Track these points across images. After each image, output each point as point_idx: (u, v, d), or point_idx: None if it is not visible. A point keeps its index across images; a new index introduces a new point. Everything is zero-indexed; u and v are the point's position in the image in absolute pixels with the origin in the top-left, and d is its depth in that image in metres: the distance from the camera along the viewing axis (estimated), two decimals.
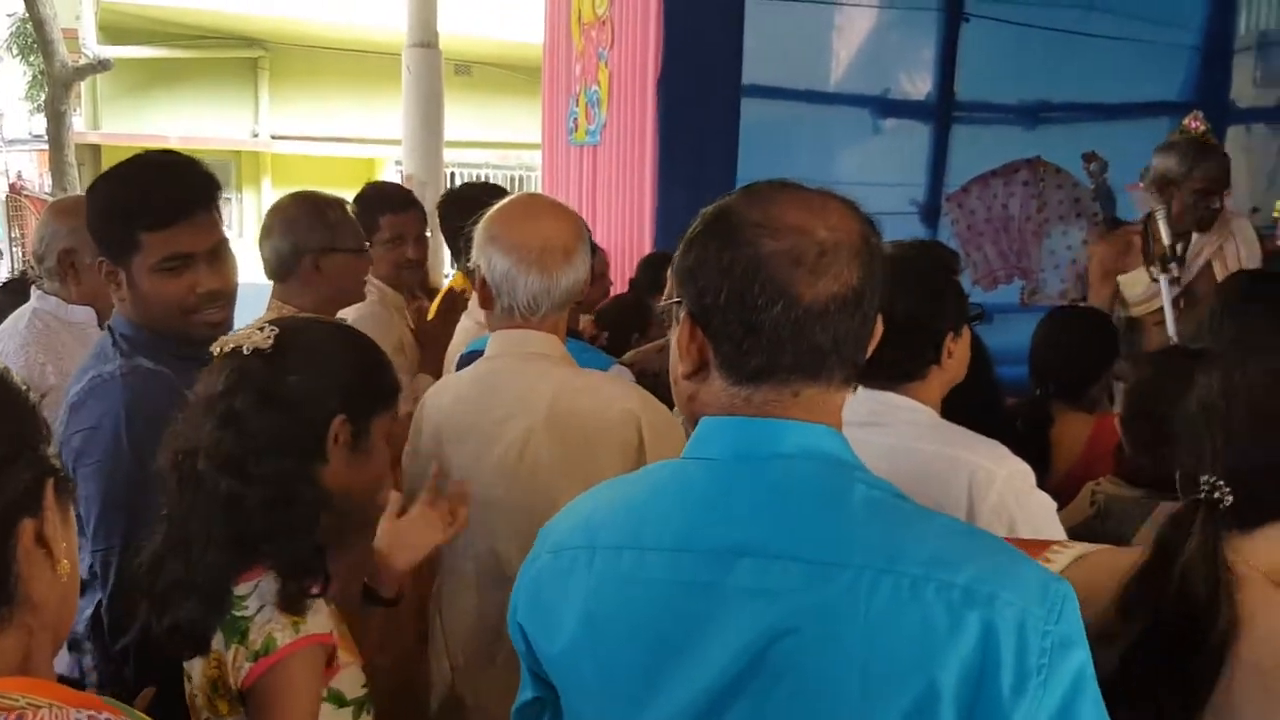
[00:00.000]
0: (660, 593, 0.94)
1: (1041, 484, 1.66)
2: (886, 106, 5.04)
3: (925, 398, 1.65)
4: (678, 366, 1.01)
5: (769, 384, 0.95)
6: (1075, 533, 1.75)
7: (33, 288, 2.53)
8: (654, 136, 4.24)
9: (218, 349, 1.37)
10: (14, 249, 10.39)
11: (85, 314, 2.45)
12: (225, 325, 1.71)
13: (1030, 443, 2.32)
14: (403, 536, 1.54)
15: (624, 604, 0.95)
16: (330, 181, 14.74)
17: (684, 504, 0.97)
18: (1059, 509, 2.03)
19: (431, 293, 3.40)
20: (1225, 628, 1.02)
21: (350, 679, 1.34)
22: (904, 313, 1.60)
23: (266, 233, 2.33)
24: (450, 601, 1.83)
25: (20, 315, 2.45)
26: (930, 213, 4.97)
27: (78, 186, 10.80)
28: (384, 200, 2.93)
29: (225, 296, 1.76)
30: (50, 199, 10.22)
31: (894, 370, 1.64)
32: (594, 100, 4.69)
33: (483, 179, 12.81)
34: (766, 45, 4.45)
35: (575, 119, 4.90)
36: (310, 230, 2.30)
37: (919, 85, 5.07)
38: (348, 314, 2.47)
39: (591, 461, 1.71)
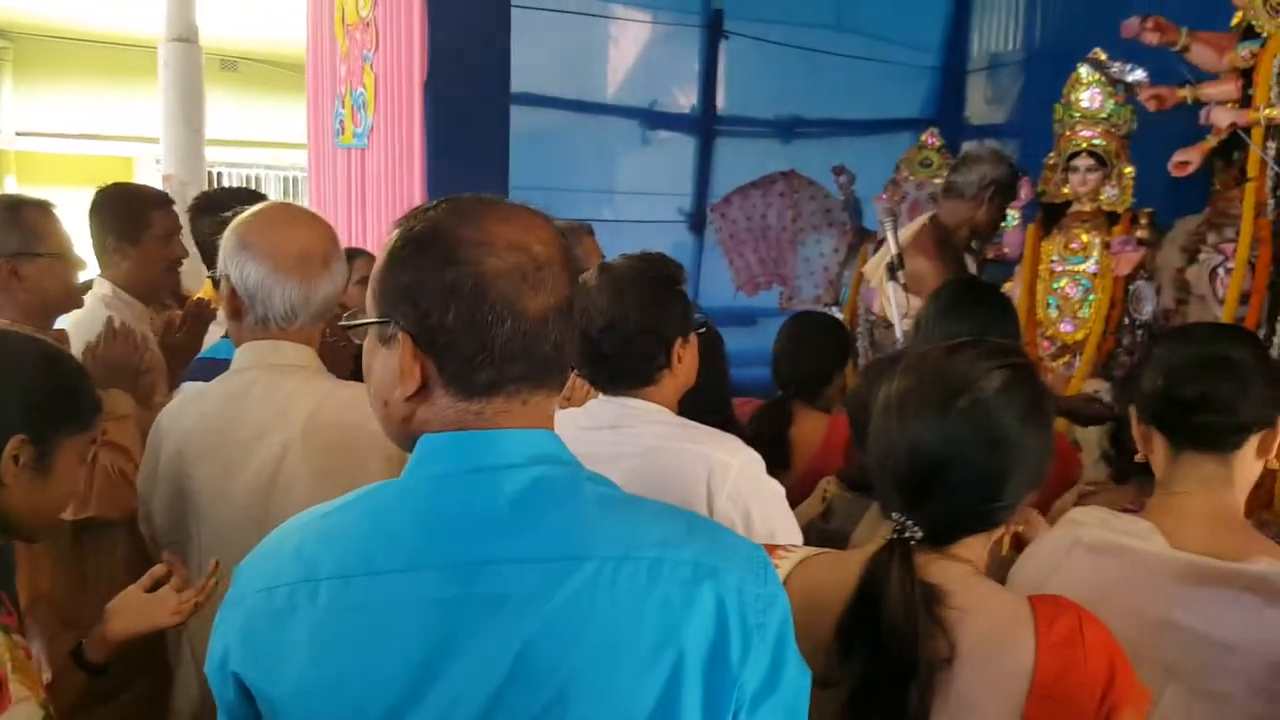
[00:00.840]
0: (402, 615, 0.92)
1: (783, 479, 1.78)
2: (655, 119, 5.19)
3: (661, 400, 1.73)
4: (391, 389, 0.99)
5: (500, 396, 0.97)
6: (805, 530, 1.88)
7: None
8: (421, 141, 4.19)
9: None
10: None
11: None
12: None
13: (772, 441, 2.47)
14: (131, 605, 1.50)
15: (363, 632, 0.92)
16: (84, 180, 13.66)
17: (418, 522, 0.96)
18: (799, 503, 2.17)
19: (184, 300, 3.26)
20: (934, 659, 1.15)
21: (24, 714, 1.26)
22: (636, 321, 1.69)
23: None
24: (201, 627, 1.76)
25: None
26: (697, 221, 5.16)
27: None
28: (149, 197, 2.82)
29: None
30: None
31: (631, 376, 1.71)
32: (360, 103, 4.60)
33: (253, 179, 12.30)
34: (537, 55, 4.49)
35: (342, 121, 4.79)
36: (4, 234, 2.19)
37: (685, 99, 5.25)
38: (66, 322, 2.38)
39: (356, 475, 1.65)
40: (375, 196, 4.60)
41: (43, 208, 2.26)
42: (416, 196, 4.27)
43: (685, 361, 1.76)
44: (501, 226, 0.97)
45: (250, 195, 2.67)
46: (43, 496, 1.38)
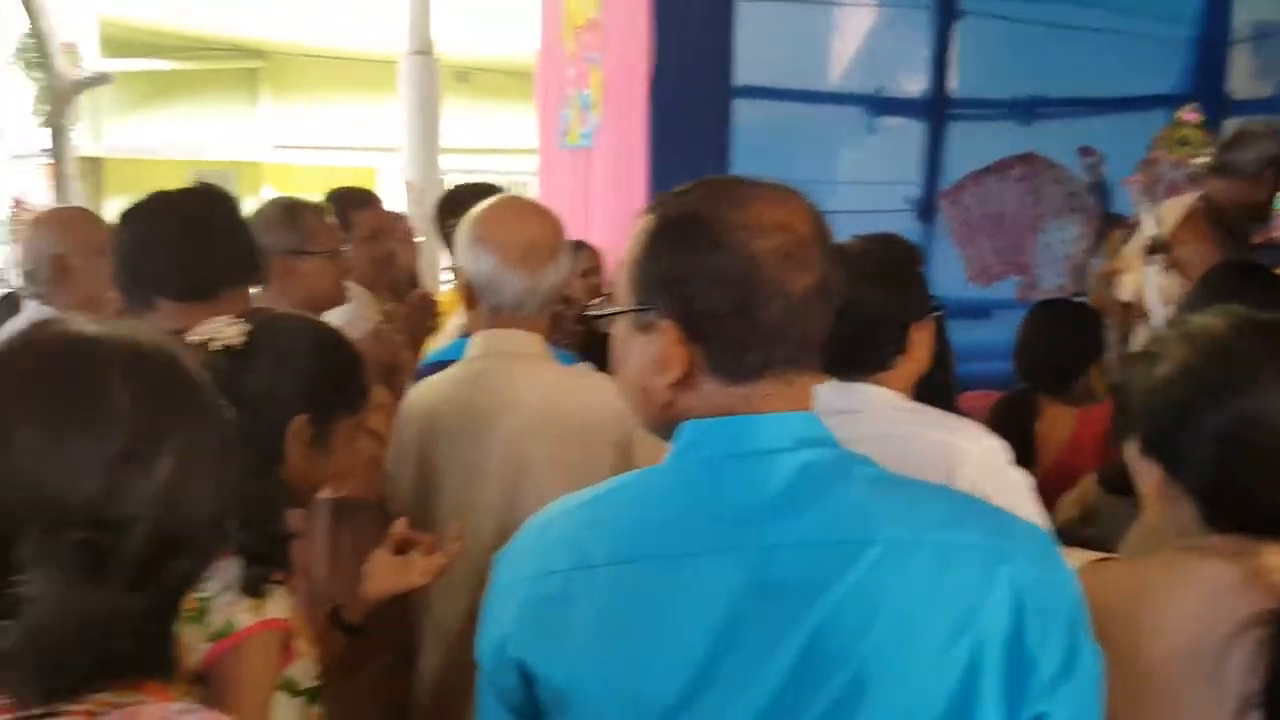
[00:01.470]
0: (684, 601, 0.91)
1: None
2: (881, 105, 5.02)
3: (895, 386, 1.66)
4: (651, 376, 0.98)
5: (766, 379, 0.96)
6: (1060, 531, 1.75)
7: (26, 302, 2.55)
8: (645, 139, 4.23)
9: (192, 340, 1.37)
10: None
11: None
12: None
13: (1014, 436, 2.33)
14: (386, 566, 1.56)
15: (644, 618, 0.92)
16: (330, 190, 14.71)
17: (692, 507, 0.95)
18: (1048, 505, 2.03)
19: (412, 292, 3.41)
20: None
21: (304, 668, 1.36)
22: (873, 305, 1.62)
23: None
24: (440, 605, 1.83)
25: (12, 326, 2.48)
26: (925, 210, 4.96)
27: (79, 201, 10.84)
28: (352, 198, 2.97)
29: None
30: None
31: (865, 362, 1.65)
32: (586, 104, 4.70)
33: None
34: (758, 46, 4.45)
35: (568, 122, 4.91)
36: (283, 233, 2.33)
37: (913, 83, 5.06)
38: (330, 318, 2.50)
39: (585, 460, 1.71)
40: (600, 194, 4.68)
41: (317, 210, 2.41)
42: (640, 193, 4.32)
43: (921, 346, 1.68)
44: (764, 206, 0.97)
45: (490, 190, 2.76)
46: (316, 473, 1.46)
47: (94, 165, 12.85)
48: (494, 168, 13.27)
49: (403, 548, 1.61)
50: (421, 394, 1.94)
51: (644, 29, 4.22)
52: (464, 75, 12.03)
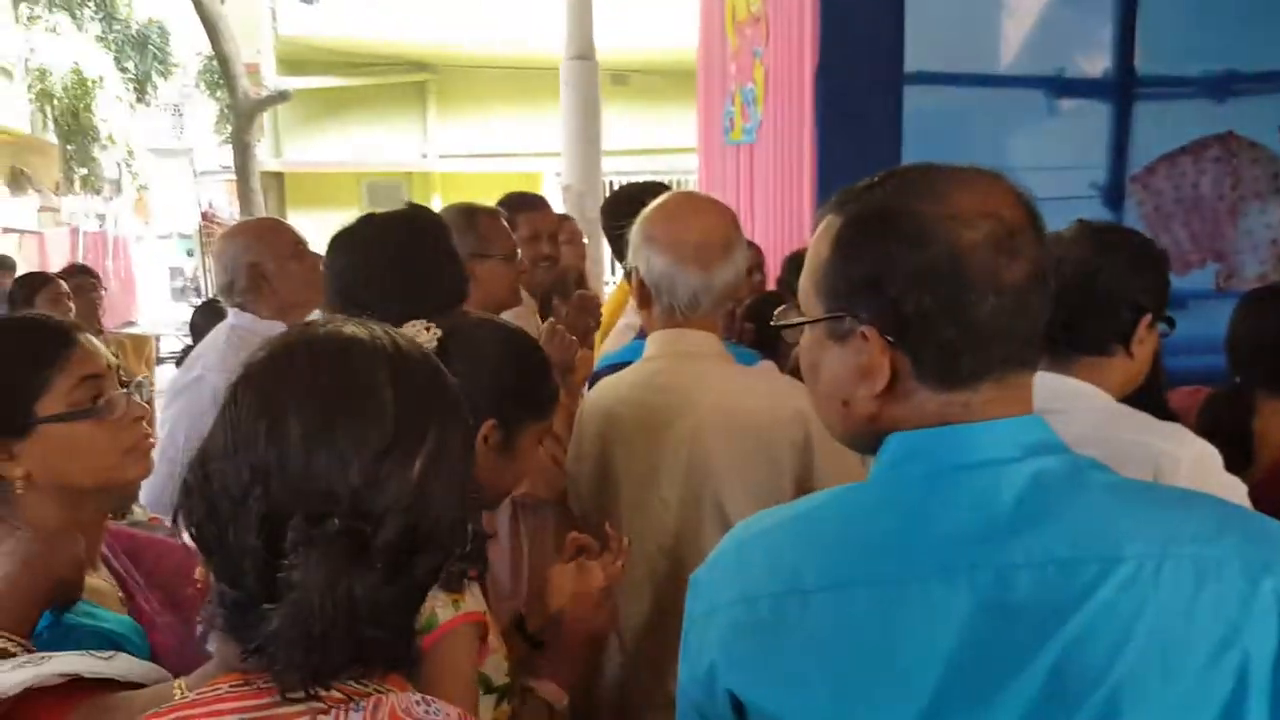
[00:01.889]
0: (913, 627, 0.85)
1: (1243, 480, 1.53)
2: (1061, 86, 4.78)
3: (1107, 384, 1.54)
4: (853, 387, 0.92)
5: (985, 382, 0.89)
6: None
7: (229, 310, 2.68)
8: (812, 131, 4.16)
9: None
10: (207, 275, 11.08)
11: (273, 328, 2.59)
12: None
13: (1229, 435, 2.15)
14: (565, 580, 1.56)
15: (870, 646, 0.86)
16: (496, 196, 15.12)
17: (912, 526, 0.88)
18: (1264, 508, 1.85)
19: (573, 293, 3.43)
20: None
21: (496, 665, 1.37)
22: (1110, 276, 1.51)
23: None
24: (623, 606, 1.82)
25: (219, 331, 2.62)
26: (1113, 196, 4.69)
27: (264, 213, 11.48)
28: (518, 200, 3.01)
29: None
30: None
31: (1084, 341, 1.54)
32: (750, 98, 4.64)
33: None
34: (929, 30, 4.30)
35: (731, 118, 4.87)
36: (461, 237, 2.36)
37: (1096, 62, 4.79)
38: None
39: (760, 460, 1.68)
40: (764, 189, 4.62)
41: (494, 214, 2.45)
42: (806, 186, 4.24)
43: (1146, 345, 1.56)
44: (966, 194, 0.88)
45: (657, 189, 2.75)
46: (502, 475, 1.47)
47: (275, 179, 13.56)
48: (653, 168, 13.37)
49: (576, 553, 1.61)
50: (600, 394, 1.94)
51: (809, 19, 4.14)
52: (622, 78, 12.14)
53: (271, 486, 0.77)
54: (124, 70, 21.69)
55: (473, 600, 1.31)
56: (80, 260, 18.41)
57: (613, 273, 7.43)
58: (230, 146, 24.66)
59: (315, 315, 2.48)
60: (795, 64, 4.25)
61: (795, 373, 1.56)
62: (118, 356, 4.23)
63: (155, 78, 22.79)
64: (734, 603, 0.92)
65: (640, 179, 3.60)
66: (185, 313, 10.46)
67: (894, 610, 0.86)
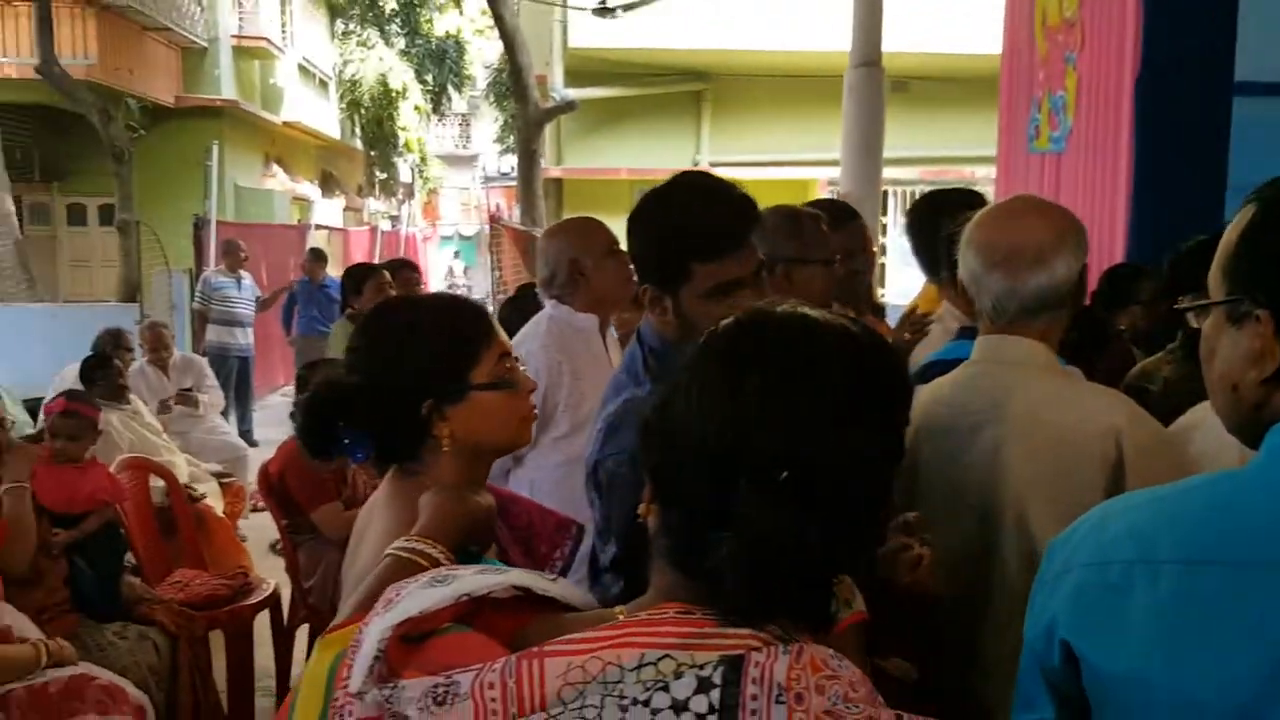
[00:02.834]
0: (1262, 610, 0.86)
1: None
2: None
3: None
4: (1243, 372, 0.94)
5: None
6: None
7: (547, 301, 2.87)
8: (1129, 141, 3.95)
9: None
10: (493, 271, 11.80)
11: (589, 321, 2.76)
12: None
13: None
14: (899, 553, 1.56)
15: (1214, 623, 0.88)
16: (766, 203, 15.23)
17: None
18: None
19: (877, 310, 3.41)
20: None
21: None
22: None
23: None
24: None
25: (539, 320, 2.81)
26: None
27: (544, 218, 12.08)
28: (832, 210, 2.99)
29: None
30: (522, 230, 11.56)
31: None
32: (1059, 105, 4.46)
33: (917, 195, 12.67)
34: (1266, 37, 3.99)
35: (1036, 125, 4.69)
36: (784, 240, 2.39)
37: None
38: None
39: (1063, 475, 1.62)
40: (1071, 200, 4.41)
41: (815, 218, 2.47)
42: (1121, 198, 4.03)
43: None
44: None
45: (969, 196, 2.70)
46: None
47: (554, 185, 14.25)
48: (928, 178, 13.04)
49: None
50: (928, 390, 1.94)
51: (1131, 24, 3.93)
52: (902, 84, 11.91)
53: (728, 435, 0.84)
54: (423, 82, 23.44)
55: (858, 601, 1.34)
56: (376, 256, 20.09)
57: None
58: (508, 154, 26.14)
59: None
60: (1113, 70, 4.05)
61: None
62: None
63: (450, 89, 24.49)
64: (1088, 565, 0.97)
65: (918, 189, 3.53)
66: None
67: (1245, 593, 0.87)
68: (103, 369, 5.01)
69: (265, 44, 17.76)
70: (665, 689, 0.77)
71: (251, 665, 3.69)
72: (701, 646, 0.80)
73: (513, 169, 26.96)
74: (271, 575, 4.13)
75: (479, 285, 19.81)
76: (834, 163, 13.14)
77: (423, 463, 1.43)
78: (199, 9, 16.25)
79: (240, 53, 17.59)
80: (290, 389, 10.19)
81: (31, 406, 5.77)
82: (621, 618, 0.85)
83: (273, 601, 3.88)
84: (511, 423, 1.47)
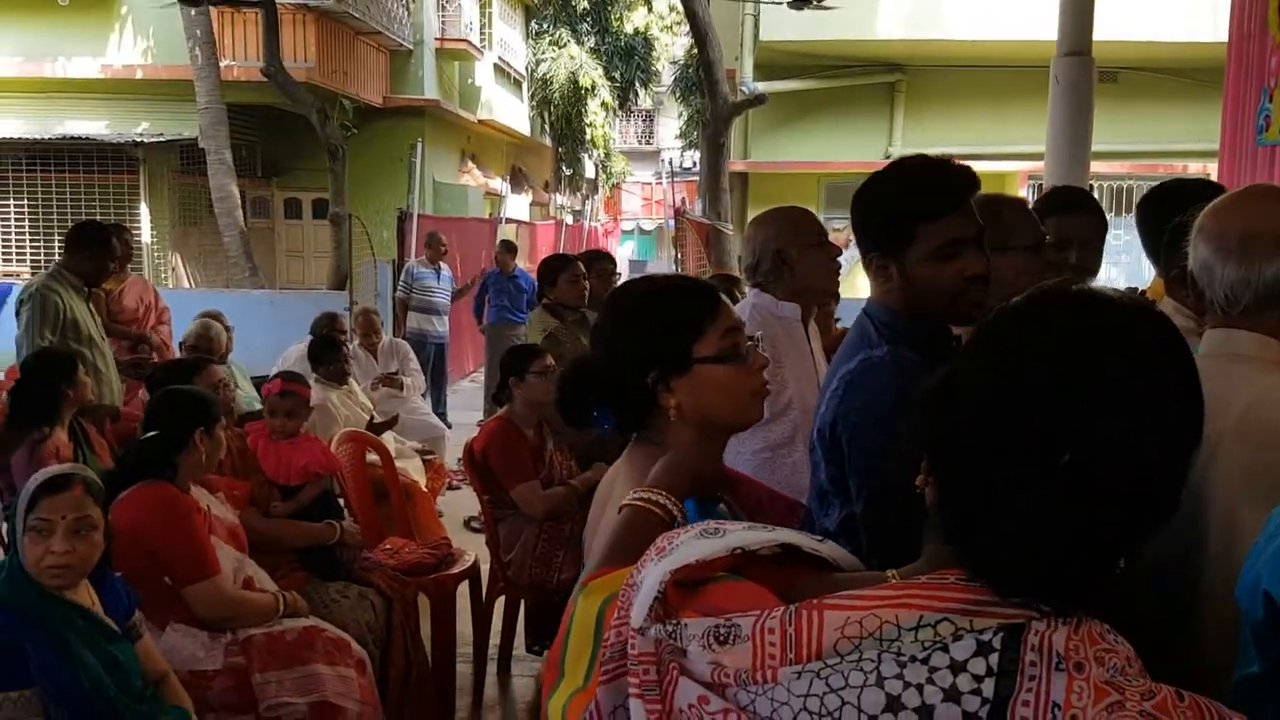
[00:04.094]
0: None
1: None
2: None
3: None
4: None
5: None
6: None
7: (749, 289, 2.91)
8: None
9: None
10: (678, 264, 11.94)
11: (791, 309, 2.78)
12: (986, 307, 1.79)
13: None
14: None
15: None
16: None
17: None
18: None
19: None
20: None
21: None
22: None
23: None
24: None
25: (741, 307, 2.85)
26: None
27: (729, 212, 12.12)
28: (1053, 201, 2.90)
29: (986, 280, 1.82)
30: (707, 223, 11.64)
31: None
32: None
33: (1126, 190, 12.05)
34: None
35: (1267, 116, 4.39)
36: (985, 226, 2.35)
37: None
38: None
39: (1270, 468, 1.54)
40: None
41: (1016, 205, 2.42)
42: None
43: None
44: None
45: (1206, 186, 2.58)
46: None
47: (739, 179, 14.26)
48: (1138, 173, 12.39)
49: None
50: None
51: None
52: (1110, 75, 11.35)
53: (1010, 417, 0.86)
54: (611, 79, 23.88)
55: None
56: (561, 249, 20.62)
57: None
58: (690, 149, 26.22)
59: None
60: None
61: None
62: None
63: (636, 85, 24.87)
64: None
65: (1125, 184, 3.35)
66: None
67: None
68: (331, 351, 5.37)
69: (466, 46, 18.50)
70: (944, 649, 0.80)
71: (454, 631, 3.89)
72: (980, 614, 0.83)
73: (694, 164, 27.18)
74: (466, 550, 4.34)
75: None
76: (1035, 156, 12.63)
77: (658, 433, 1.52)
78: (406, 13, 17.08)
79: (442, 54, 18.39)
80: (480, 375, 10.63)
81: (256, 384, 6.26)
82: (894, 580, 0.89)
83: (473, 573, 4.08)
84: (740, 396, 1.53)
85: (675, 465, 1.33)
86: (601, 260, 5.33)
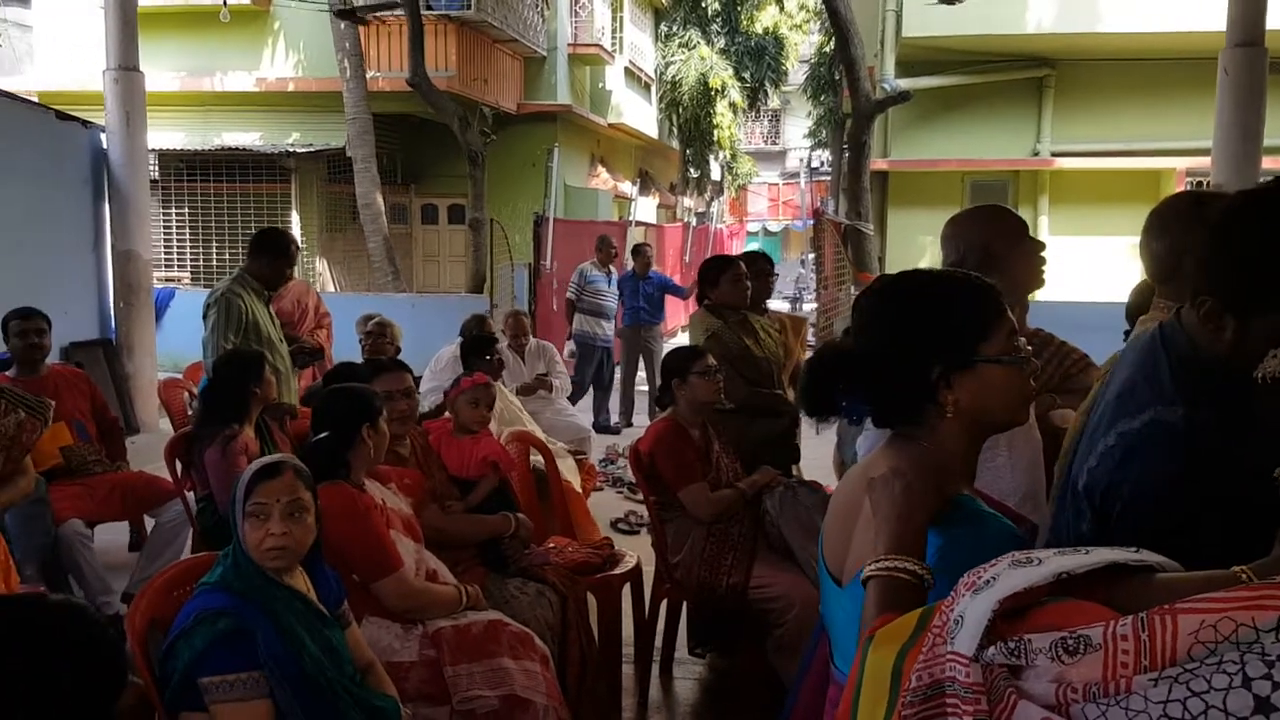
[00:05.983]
0: None
1: None
2: None
3: None
4: None
5: None
6: None
7: None
8: None
9: None
10: (816, 265, 11.81)
11: None
12: None
13: None
14: None
15: None
16: (1110, 196, 14.25)
17: None
18: None
19: None
20: None
21: None
22: None
23: (1146, 233, 2.30)
24: None
25: None
26: None
27: (870, 212, 11.93)
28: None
29: None
30: (847, 222, 11.48)
31: None
32: None
33: None
34: None
35: None
36: (1188, 230, 2.26)
37: None
38: None
39: None
40: None
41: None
42: None
43: None
44: None
45: None
46: None
47: (878, 177, 14.03)
48: None
49: None
50: None
51: None
52: None
53: None
54: (741, 80, 23.81)
55: None
56: (686, 252, 20.65)
57: None
58: (820, 149, 25.82)
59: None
60: None
61: None
62: (781, 333, 4.68)
63: (766, 85, 24.74)
64: None
65: None
66: None
67: None
68: (486, 351, 5.50)
69: (597, 50, 18.72)
70: None
71: (620, 630, 3.93)
72: None
73: (823, 163, 26.82)
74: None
75: (782, 280, 19.92)
76: (1192, 152, 12.13)
77: (925, 428, 1.51)
78: (541, 20, 17.39)
79: (574, 60, 18.66)
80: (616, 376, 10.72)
81: None
82: (1245, 577, 0.86)
83: (636, 574, 4.10)
84: (1015, 398, 1.52)
85: (942, 464, 1.33)
86: (760, 260, 5.32)
